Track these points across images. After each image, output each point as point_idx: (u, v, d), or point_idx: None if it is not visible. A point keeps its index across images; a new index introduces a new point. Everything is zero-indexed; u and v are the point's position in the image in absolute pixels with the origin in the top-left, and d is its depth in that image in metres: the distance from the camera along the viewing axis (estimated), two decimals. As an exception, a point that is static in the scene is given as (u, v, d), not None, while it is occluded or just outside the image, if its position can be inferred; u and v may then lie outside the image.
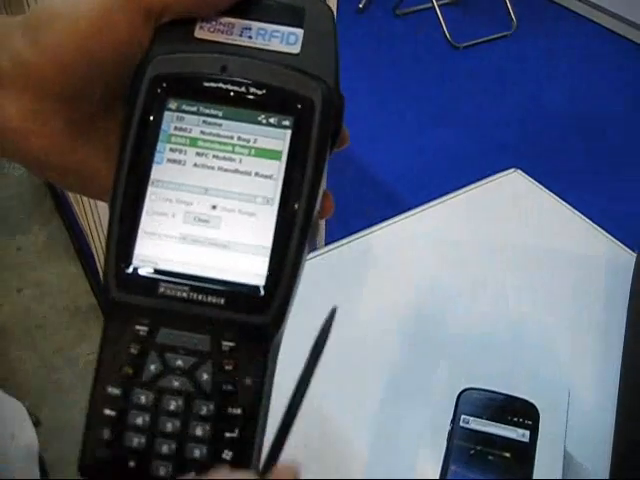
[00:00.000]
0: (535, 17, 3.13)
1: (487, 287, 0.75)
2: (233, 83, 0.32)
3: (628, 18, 3.02)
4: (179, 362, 0.31)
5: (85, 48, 0.32)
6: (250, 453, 0.32)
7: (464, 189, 0.87)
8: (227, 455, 0.31)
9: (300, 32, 0.33)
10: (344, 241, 0.80)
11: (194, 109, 0.33)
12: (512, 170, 0.90)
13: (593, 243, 0.80)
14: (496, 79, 2.78)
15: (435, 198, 0.86)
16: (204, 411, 0.31)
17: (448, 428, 0.53)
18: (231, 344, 0.31)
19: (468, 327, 0.70)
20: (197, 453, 0.31)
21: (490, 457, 0.51)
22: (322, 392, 0.64)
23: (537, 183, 0.88)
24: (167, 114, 0.33)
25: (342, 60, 0.34)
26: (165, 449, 0.31)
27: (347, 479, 0.58)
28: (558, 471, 0.51)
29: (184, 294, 0.31)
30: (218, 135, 0.33)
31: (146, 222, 0.32)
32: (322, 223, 1.50)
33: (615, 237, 0.81)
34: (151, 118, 0.33)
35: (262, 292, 0.31)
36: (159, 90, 0.33)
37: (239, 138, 0.32)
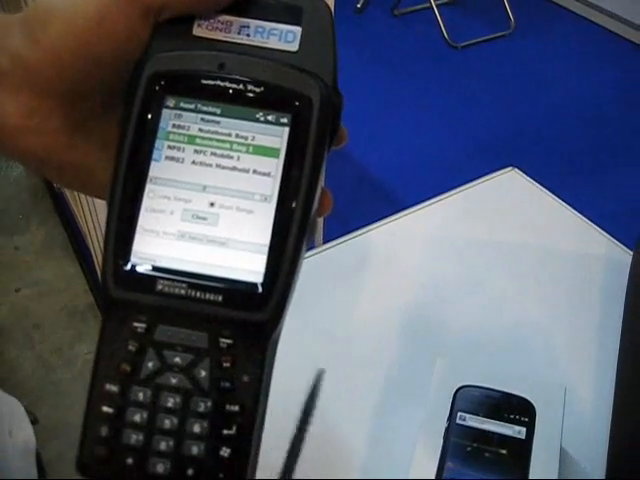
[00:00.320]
0: (533, 17, 3.14)
1: (484, 285, 0.75)
2: (231, 81, 0.32)
3: (626, 18, 3.03)
4: (177, 359, 0.31)
5: (83, 46, 0.32)
6: (248, 450, 0.32)
7: (461, 188, 0.87)
8: (225, 452, 0.31)
9: (298, 30, 0.34)
10: (342, 239, 0.80)
11: (192, 107, 0.33)
12: (509, 169, 0.90)
13: (590, 241, 0.80)
14: (494, 78, 2.78)
15: (433, 197, 0.86)
16: (202, 408, 0.31)
17: (445, 425, 0.53)
18: (229, 341, 0.31)
19: (465, 325, 0.70)
20: (195, 450, 0.31)
21: (487, 454, 0.51)
22: (320, 389, 0.64)
23: (534, 182, 0.88)
24: (165, 112, 0.33)
25: (340, 60, 0.34)
26: (163, 446, 0.31)
27: (346, 479, 0.58)
28: (554, 468, 0.51)
29: (182, 291, 0.31)
30: (216, 132, 0.33)
31: (144, 219, 0.32)
32: (320, 221, 1.50)
33: (612, 236, 0.81)
34: (149, 116, 0.33)
35: (260, 289, 0.31)
36: (157, 88, 0.33)
37: (237, 135, 0.33)
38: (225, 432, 0.31)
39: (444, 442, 0.52)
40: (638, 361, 0.61)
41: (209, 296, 0.31)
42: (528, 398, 0.54)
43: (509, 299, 0.74)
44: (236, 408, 0.31)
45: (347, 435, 0.61)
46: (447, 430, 0.53)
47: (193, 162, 0.33)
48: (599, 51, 2.98)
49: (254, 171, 0.32)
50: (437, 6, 2.95)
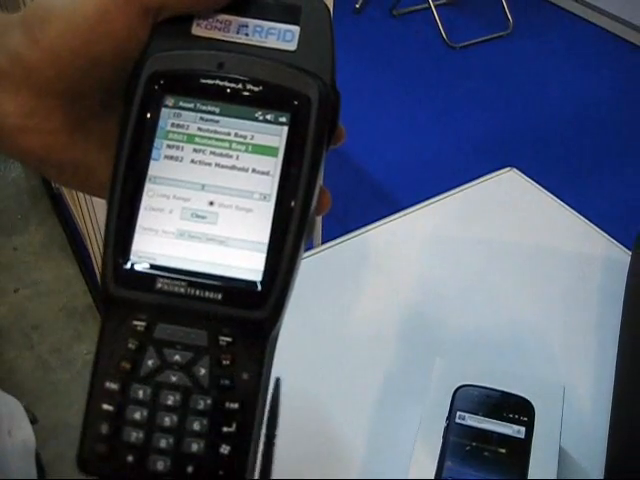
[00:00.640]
0: (531, 17, 3.14)
1: (483, 285, 0.75)
2: (230, 80, 0.32)
3: (624, 18, 3.03)
4: (177, 357, 0.31)
5: (83, 45, 0.32)
6: (247, 447, 0.32)
7: (460, 188, 0.87)
8: (225, 449, 0.31)
9: (296, 29, 0.34)
10: (341, 239, 0.80)
11: (191, 106, 0.33)
12: (508, 169, 0.90)
13: (589, 241, 0.80)
14: (492, 79, 2.78)
15: (431, 197, 0.86)
16: (202, 406, 0.31)
17: (444, 424, 0.53)
18: (228, 339, 0.31)
19: (464, 325, 0.70)
20: (195, 448, 0.31)
21: (486, 453, 0.51)
22: (319, 390, 0.64)
23: (533, 182, 0.88)
24: (164, 111, 0.33)
25: (338, 60, 0.34)
26: (163, 444, 0.31)
27: (346, 479, 0.58)
28: (553, 467, 0.51)
29: (181, 289, 0.31)
30: (215, 132, 0.33)
31: (143, 218, 0.32)
32: (319, 222, 1.50)
33: (611, 235, 0.81)
34: (148, 115, 0.33)
35: (259, 287, 0.31)
36: (156, 87, 0.33)
37: (236, 135, 0.33)
38: (225, 429, 0.31)
39: (443, 441, 0.52)
40: (636, 360, 0.61)
41: (208, 294, 0.31)
42: (527, 397, 0.54)
43: (508, 299, 0.74)
44: (236, 406, 0.31)
45: (347, 434, 0.61)
46: (446, 429, 0.53)
47: (192, 161, 0.33)
48: (597, 51, 2.98)
49: (253, 170, 0.32)
50: (435, 6, 2.95)
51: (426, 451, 0.52)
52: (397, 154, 2.40)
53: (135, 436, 0.31)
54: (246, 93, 0.32)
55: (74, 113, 0.34)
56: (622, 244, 0.80)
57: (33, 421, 0.84)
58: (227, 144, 0.33)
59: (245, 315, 0.31)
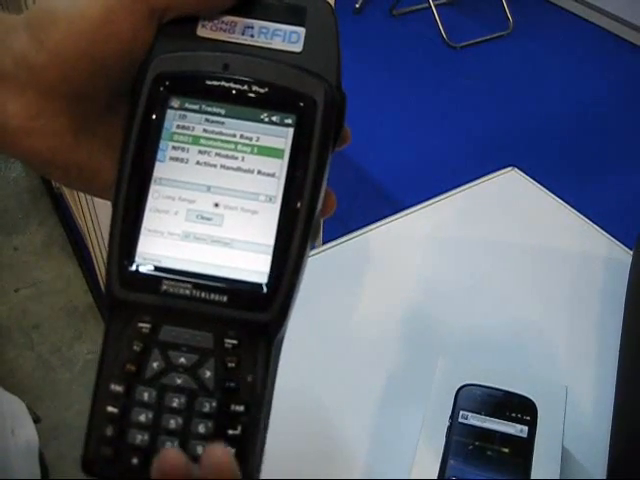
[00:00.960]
0: (531, 17, 3.14)
1: (485, 285, 0.75)
2: (235, 81, 0.32)
3: (624, 18, 3.03)
4: (182, 359, 0.31)
5: (88, 47, 0.32)
6: (252, 450, 0.32)
7: (461, 188, 0.87)
8: (230, 451, 0.31)
9: (302, 31, 0.34)
10: (342, 239, 0.80)
11: (197, 107, 0.33)
12: (509, 169, 0.90)
13: (590, 241, 0.80)
14: (493, 79, 2.78)
15: (433, 197, 0.86)
16: (207, 408, 0.31)
17: (447, 424, 0.53)
18: (234, 342, 0.31)
19: (466, 325, 0.70)
20: (200, 450, 0.31)
21: (489, 452, 0.51)
22: (321, 389, 0.64)
23: (534, 182, 0.88)
24: (170, 112, 0.33)
25: (340, 60, 0.34)
26: (168, 446, 0.31)
27: (347, 479, 0.58)
28: (556, 466, 0.51)
29: (187, 292, 0.31)
30: (220, 133, 0.33)
31: (149, 220, 0.32)
32: (320, 222, 1.49)
33: (612, 235, 0.81)
34: (154, 116, 0.33)
35: (265, 290, 0.31)
36: (162, 88, 0.33)
37: (241, 136, 0.33)
38: (230, 432, 0.31)
39: (446, 440, 0.52)
40: (639, 360, 0.61)
41: (214, 296, 0.31)
42: (530, 397, 0.54)
43: (510, 298, 0.74)
44: (241, 408, 0.31)
45: (349, 434, 0.61)
46: (449, 428, 0.53)
47: (197, 162, 0.33)
48: (597, 51, 2.98)
49: (258, 172, 0.32)
50: (435, 6, 2.95)
51: (429, 450, 0.52)
52: (398, 154, 2.40)
53: (140, 438, 0.31)
54: (251, 95, 0.32)
55: (79, 115, 0.34)
56: (623, 243, 0.80)
57: (36, 420, 0.85)
58: (232, 146, 0.33)
59: (251, 317, 0.31)
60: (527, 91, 2.71)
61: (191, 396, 0.31)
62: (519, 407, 0.54)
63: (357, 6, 3.13)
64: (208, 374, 0.31)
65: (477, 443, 0.52)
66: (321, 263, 0.76)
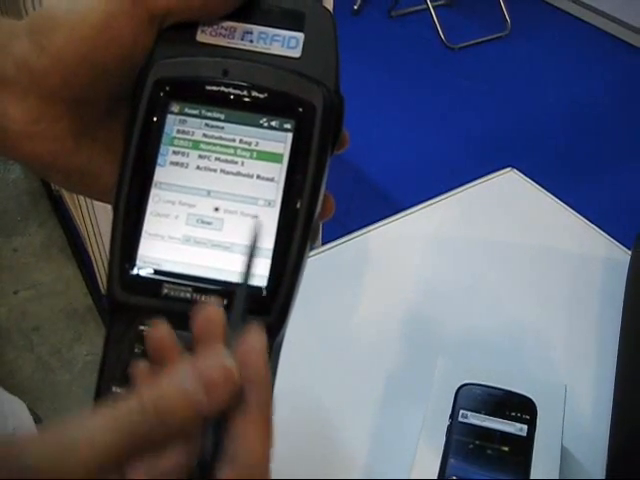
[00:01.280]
0: (529, 18, 3.14)
1: (484, 285, 0.75)
2: (235, 87, 0.33)
3: (621, 19, 3.03)
4: None
5: (89, 53, 0.32)
6: None
7: (460, 188, 0.88)
8: None
9: (301, 36, 0.34)
10: (341, 240, 0.81)
11: (196, 112, 0.33)
12: (508, 169, 0.90)
13: (589, 241, 0.81)
14: (491, 79, 2.78)
15: (431, 198, 0.86)
16: None
17: (447, 423, 0.54)
18: None
19: (465, 325, 0.71)
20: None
21: (489, 451, 0.51)
22: (320, 390, 0.64)
23: (533, 182, 0.88)
24: (170, 117, 0.33)
25: (338, 62, 0.34)
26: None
27: (347, 479, 0.58)
28: (555, 465, 0.51)
29: (187, 295, 0.32)
30: (220, 138, 0.33)
31: (149, 224, 0.33)
32: (319, 225, 1.49)
33: (610, 235, 0.82)
34: (154, 121, 0.33)
35: (264, 293, 0.32)
36: (162, 93, 0.33)
37: (241, 141, 0.33)
38: None
39: (447, 439, 0.53)
40: (637, 359, 0.61)
41: (214, 300, 0.32)
42: (529, 396, 0.55)
43: (508, 299, 0.74)
44: None
45: (350, 433, 0.61)
46: (449, 428, 0.53)
47: (197, 167, 0.33)
48: (595, 52, 2.98)
49: (258, 176, 0.33)
50: (434, 8, 2.95)
51: (429, 449, 0.52)
52: (396, 155, 2.40)
53: None
54: (251, 100, 0.33)
55: (80, 119, 0.34)
56: (622, 244, 0.80)
57: (37, 420, 0.85)
58: (232, 150, 0.33)
59: (250, 320, 0.32)
60: (525, 92, 2.72)
61: None
62: (519, 406, 0.54)
63: (355, 7, 3.13)
64: None
65: (477, 442, 0.52)
66: (320, 264, 0.76)
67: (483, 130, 2.50)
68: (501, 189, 0.88)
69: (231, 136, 0.33)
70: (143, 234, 0.33)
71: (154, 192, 0.33)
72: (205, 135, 0.33)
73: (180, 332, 0.32)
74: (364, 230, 0.82)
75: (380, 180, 2.28)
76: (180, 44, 0.34)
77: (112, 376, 0.32)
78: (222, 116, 0.33)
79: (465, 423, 0.53)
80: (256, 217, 0.32)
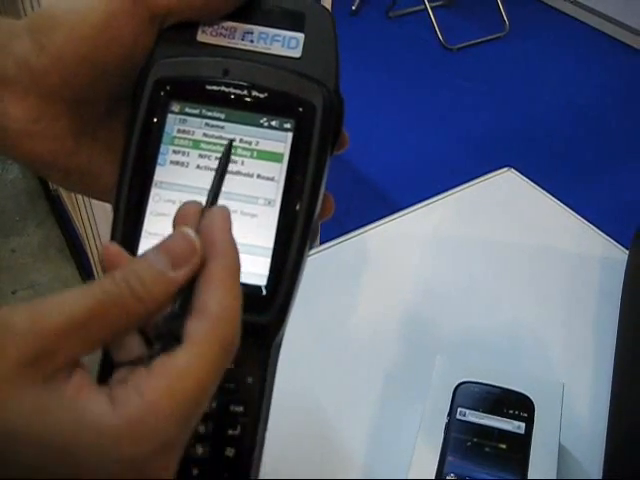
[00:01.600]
0: (527, 19, 3.15)
1: (481, 285, 0.76)
2: (235, 86, 0.33)
3: (618, 19, 3.04)
4: None
5: (89, 53, 0.32)
6: (252, 450, 0.32)
7: (458, 188, 0.88)
8: (230, 452, 0.32)
9: (301, 36, 0.34)
10: (339, 240, 0.81)
11: (197, 112, 0.33)
12: (506, 169, 0.90)
13: (586, 241, 0.81)
14: (489, 80, 2.79)
15: (429, 197, 0.87)
16: (207, 409, 0.32)
17: (445, 420, 0.54)
18: None
19: (463, 324, 0.71)
20: (200, 450, 0.31)
21: (486, 449, 0.52)
22: (319, 389, 0.65)
23: (531, 182, 0.89)
24: (170, 117, 0.33)
25: (337, 62, 0.35)
26: None
27: (346, 479, 0.58)
28: (553, 462, 0.52)
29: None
30: (220, 137, 0.33)
31: (150, 223, 0.33)
32: (318, 224, 1.49)
33: (608, 235, 0.82)
34: (154, 120, 0.33)
35: (264, 292, 0.32)
36: (162, 93, 0.33)
37: (241, 140, 0.33)
38: (230, 432, 0.32)
39: (445, 437, 0.53)
40: (634, 358, 0.62)
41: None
42: (527, 394, 0.55)
43: (506, 298, 0.74)
44: (240, 409, 0.32)
45: (348, 432, 0.61)
46: (447, 425, 0.53)
47: (198, 166, 0.33)
48: (592, 53, 2.99)
49: (258, 176, 0.33)
50: (432, 8, 2.96)
51: (428, 447, 0.53)
52: (394, 155, 2.40)
53: None
54: (251, 99, 0.33)
55: (80, 119, 0.34)
56: (620, 243, 0.80)
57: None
58: (232, 150, 0.33)
59: (250, 319, 0.32)
60: (523, 92, 2.72)
61: None
62: (516, 404, 0.54)
63: (353, 8, 3.13)
64: None
65: (475, 439, 0.52)
66: (318, 263, 0.77)
67: (481, 130, 2.50)
68: (499, 189, 0.88)
69: (231, 135, 0.33)
70: (143, 233, 0.33)
71: (154, 191, 0.33)
72: (205, 135, 0.33)
73: None
74: (362, 229, 0.82)
75: (378, 180, 2.29)
76: (181, 44, 0.34)
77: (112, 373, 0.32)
78: (222, 116, 0.33)
79: (463, 421, 0.53)
80: (255, 216, 0.33)
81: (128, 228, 0.33)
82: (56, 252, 2.04)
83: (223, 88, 0.33)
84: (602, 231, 0.82)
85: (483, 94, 2.70)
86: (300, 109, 0.33)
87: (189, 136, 0.33)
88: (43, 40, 0.32)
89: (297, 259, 0.32)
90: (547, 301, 0.74)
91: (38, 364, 0.25)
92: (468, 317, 0.72)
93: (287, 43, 0.34)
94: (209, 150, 0.33)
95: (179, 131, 0.33)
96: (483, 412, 0.54)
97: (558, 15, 3.24)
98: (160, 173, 0.33)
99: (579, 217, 0.84)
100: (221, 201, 0.33)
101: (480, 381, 0.56)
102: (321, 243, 0.80)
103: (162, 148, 0.33)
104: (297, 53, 0.34)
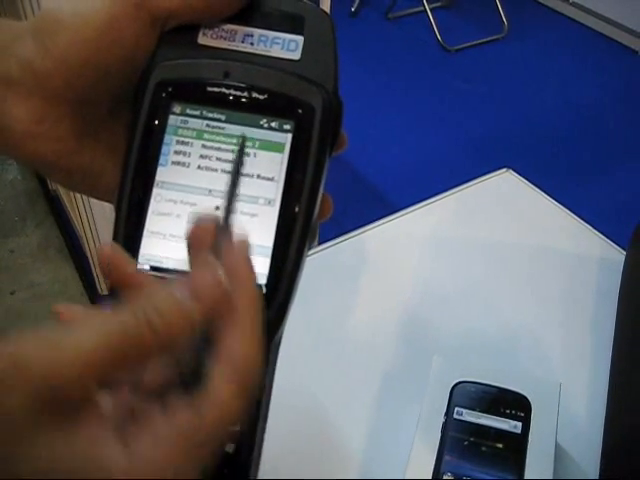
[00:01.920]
0: (526, 21, 3.15)
1: (479, 285, 0.76)
2: (236, 88, 0.33)
3: (617, 21, 3.05)
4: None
5: (92, 55, 0.33)
6: (251, 446, 0.32)
7: (456, 189, 0.88)
8: (230, 448, 0.32)
9: (300, 39, 0.34)
10: (337, 240, 0.81)
11: (198, 113, 0.34)
12: (504, 170, 0.91)
13: (584, 241, 0.81)
14: (488, 81, 2.79)
15: (427, 198, 0.87)
16: None
17: (442, 420, 0.54)
18: None
19: (461, 324, 0.71)
20: None
21: (483, 448, 0.52)
22: (317, 389, 0.65)
23: (529, 183, 0.89)
24: (172, 118, 0.34)
25: (335, 64, 0.35)
26: None
27: (346, 479, 0.58)
28: (549, 462, 0.52)
29: None
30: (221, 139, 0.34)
31: (151, 222, 0.33)
32: (317, 224, 1.49)
33: (606, 236, 0.82)
34: (156, 122, 0.33)
35: (264, 290, 0.32)
36: (164, 94, 0.34)
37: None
38: (230, 429, 0.32)
39: (442, 436, 0.53)
40: (632, 358, 0.62)
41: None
42: (524, 394, 0.55)
43: (504, 299, 0.74)
44: None
45: (346, 432, 0.61)
46: (445, 425, 0.54)
47: (199, 167, 0.33)
48: (591, 54, 3.00)
49: (258, 176, 0.33)
50: (431, 10, 2.96)
51: (425, 446, 0.53)
52: (393, 156, 2.41)
53: None
54: (251, 101, 0.33)
55: (83, 120, 0.35)
56: (617, 244, 0.81)
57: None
58: (233, 151, 0.33)
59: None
60: (521, 93, 2.73)
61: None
62: (513, 404, 0.54)
63: (353, 9, 3.14)
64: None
65: (472, 439, 0.52)
66: (317, 264, 0.77)
67: (479, 131, 2.51)
68: (497, 189, 0.88)
69: (232, 137, 0.33)
70: (145, 232, 0.33)
71: (156, 191, 0.33)
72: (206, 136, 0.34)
73: None
74: (360, 230, 0.82)
75: (377, 181, 2.29)
76: (182, 46, 0.34)
77: None
78: (223, 117, 0.33)
79: (460, 420, 0.54)
80: (256, 216, 0.33)
81: (130, 227, 0.33)
82: (55, 252, 2.04)
83: (224, 90, 0.33)
84: (600, 231, 0.83)
85: (482, 95, 2.70)
86: (299, 111, 0.33)
87: (190, 137, 0.34)
88: (47, 43, 0.32)
89: (296, 258, 0.33)
90: (544, 301, 0.74)
91: (53, 408, 0.24)
92: (466, 317, 0.72)
93: (287, 46, 0.34)
94: (210, 150, 0.33)
95: (180, 132, 0.34)
96: (480, 412, 0.54)
97: (557, 16, 3.25)
98: (162, 173, 0.33)
99: (577, 218, 0.84)
100: (222, 201, 0.33)
101: (477, 381, 0.56)
102: (320, 243, 0.81)
103: (163, 149, 0.33)
104: (296, 55, 0.34)
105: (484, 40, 3.01)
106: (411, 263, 0.78)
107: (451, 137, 2.49)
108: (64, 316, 0.29)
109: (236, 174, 0.30)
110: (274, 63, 0.34)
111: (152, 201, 0.33)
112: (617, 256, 0.78)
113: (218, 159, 0.33)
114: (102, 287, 1.90)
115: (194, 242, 0.29)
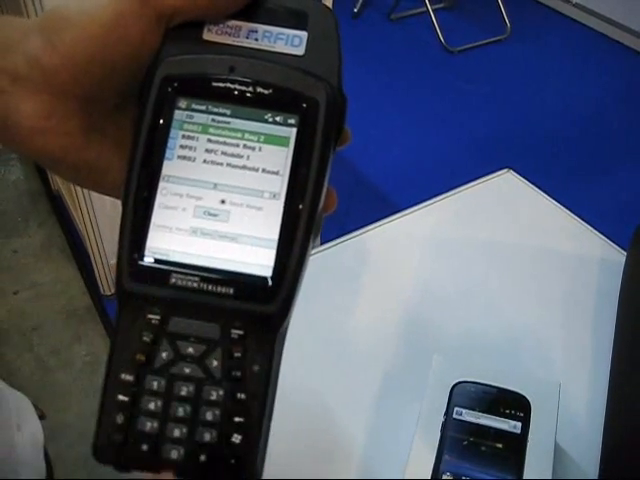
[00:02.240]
0: (529, 22, 3.15)
1: (480, 286, 0.76)
2: (241, 83, 0.34)
3: (620, 22, 3.05)
4: (190, 349, 0.32)
5: (99, 51, 0.33)
6: (258, 437, 0.33)
7: (457, 189, 0.88)
8: (236, 439, 0.32)
9: (304, 35, 0.35)
10: (339, 240, 0.81)
11: (203, 108, 0.34)
12: (505, 170, 0.91)
13: (585, 242, 0.81)
14: (490, 82, 2.79)
15: (429, 199, 0.87)
16: (214, 396, 0.32)
17: (442, 420, 0.54)
18: (240, 332, 0.32)
19: (462, 324, 0.71)
20: (207, 437, 0.32)
21: (483, 448, 0.52)
22: (318, 388, 0.65)
23: (530, 183, 0.89)
24: (177, 112, 0.34)
25: (339, 63, 0.35)
26: (177, 433, 0.32)
27: (346, 479, 0.59)
28: (549, 462, 0.52)
29: (194, 284, 0.32)
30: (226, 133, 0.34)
31: (157, 216, 0.33)
32: (322, 218, 1.48)
33: (606, 237, 0.82)
34: (162, 116, 0.34)
35: (269, 283, 0.33)
36: (169, 90, 0.34)
37: (247, 136, 0.34)
38: (236, 419, 0.32)
39: (441, 436, 0.53)
40: (632, 358, 0.62)
41: (221, 289, 0.32)
42: (523, 394, 0.55)
43: (505, 299, 0.74)
44: (247, 396, 0.32)
45: (346, 430, 0.62)
46: (444, 424, 0.54)
47: (204, 161, 0.34)
48: (594, 55, 3.00)
49: (263, 170, 0.34)
50: (433, 10, 2.96)
51: (425, 445, 0.53)
52: (395, 156, 2.41)
53: (150, 426, 0.32)
54: (256, 96, 0.33)
55: (90, 115, 0.35)
56: (618, 245, 0.81)
57: (41, 417, 0.85)
58: (238, 145, 0.34)
59: (256, 309, 0.32)
60: (523, 94, 2.73)
61: (199, 385, 0.32)
62: (513, 404, 0.55)
63: (355, 10, 3.14)
64: (215, 363, 0.32)
65: (471, 439, 0.53)
66: (318, 263, 0.77)
67: (481, 132, 2.51)
68: (498, 190, 0.88)
69: (237, 131, 0.34)
70: (151, 226, 0.33)
71: (162, 185, 0.34)
72: (212, 130, 0.34)
73: (187, 320, 0.33)
74: (362, 230, 0.82)
75: (379, 181, 2.29)
76: (187, 42, 0.35)
77: (121, 363, 0.33)
78: (228, 111, 0.34)
79: (459, 420, 0.54)
80: (261, 209, 0.33)
81: (136, 221, 0.33)
82: (58, 252, 2.05)
83: (229, 85, 0.34)
84: (600, 232, 0.83)
85: (484, 96, 2.70)
86: (304, 105, 0.33)
87: (196, 131, 0.34)
88: (54, 39, 0.33)
89: (301, 251, 0.33)
90: (545, 301, 0.74)
91: None
92: (466, 317, 0.72)
93: (291, 41, 0.35)
94: (215, 145, 0.34)
95: (186, 127, 0.34)
96: (479, 411, 0.54)
97: (559, 17, 3.25)
98: (168, 167, 0.34)
99: (577, 218, 0.84)
100: (228, 195, 0.33)
101: (477, 381, 0.56)
102: (321, 243, 0.81)
103: (169, 143, 0.34)
104: (300, 51, 0.35)
105: (486, 41, 3.01)
106: (412, 263, 0.79)
107: (453, 138, 2.49)
108: None
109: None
110: (278, 58, 0.34)
111: (158, 195, 0.33)
112: (618, 257, 0.78)
113: (223, 153, 0.34)
114: (104, 287, 1.90)
115: None
